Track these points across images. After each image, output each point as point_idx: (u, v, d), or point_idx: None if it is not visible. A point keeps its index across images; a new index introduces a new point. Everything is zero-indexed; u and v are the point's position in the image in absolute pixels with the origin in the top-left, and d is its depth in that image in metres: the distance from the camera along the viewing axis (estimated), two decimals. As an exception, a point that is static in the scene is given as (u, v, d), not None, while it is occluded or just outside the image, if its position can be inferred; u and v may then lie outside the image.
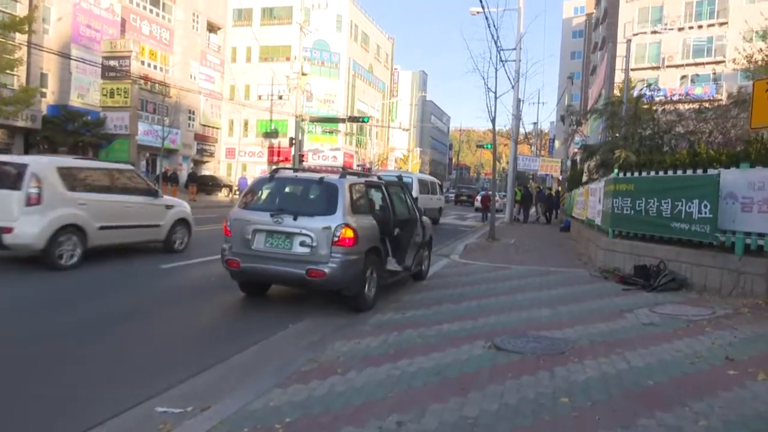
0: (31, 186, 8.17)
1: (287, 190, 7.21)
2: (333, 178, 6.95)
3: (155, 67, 36.81)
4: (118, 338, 5.33)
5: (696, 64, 41.76)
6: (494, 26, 15.29)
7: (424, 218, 9.02)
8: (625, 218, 9.39)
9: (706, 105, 14.25)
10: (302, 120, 39.49)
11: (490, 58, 16.16)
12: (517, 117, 23.82)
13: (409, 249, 8.06)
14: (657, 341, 5.06)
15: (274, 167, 7.49)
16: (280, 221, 6.46)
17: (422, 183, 22.34)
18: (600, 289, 8.12)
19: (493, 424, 3.27)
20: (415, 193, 32.56)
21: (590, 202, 13.62)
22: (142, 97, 35.24)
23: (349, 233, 6.36)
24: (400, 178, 9.44)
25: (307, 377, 4.10)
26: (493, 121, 15.27)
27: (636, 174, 9.38)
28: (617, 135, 13.17)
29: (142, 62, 34.78)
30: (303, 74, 43.45)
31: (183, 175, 36.85)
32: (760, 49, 25.68)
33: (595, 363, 4.41)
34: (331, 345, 5.16)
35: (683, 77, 42.06)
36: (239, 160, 45.26)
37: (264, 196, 7.07)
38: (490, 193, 23.15)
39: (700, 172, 8.02)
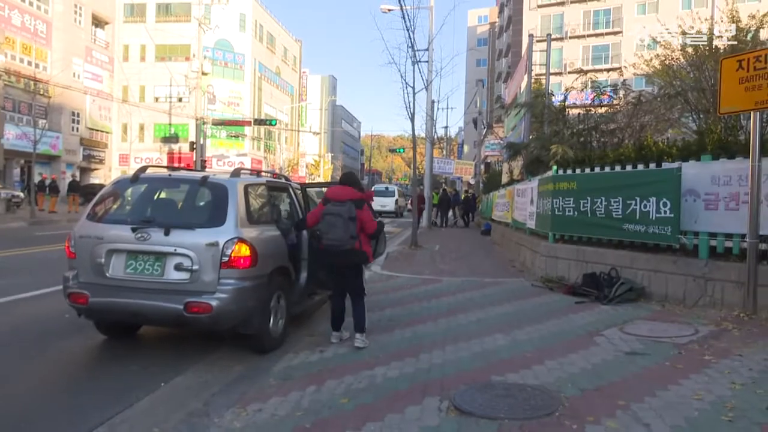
0: None
1: (157, 195, 5.35)
2: (221, 177, 5.23)
3: (29, 63, 32.51)
4: None
5: (595, 70, 43.42)
6: (409, 19, 14.11)
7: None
8: (567, 220, 8.36)
9: (614, 108, 13.87)
10: (204, 123, 36.62)
11: (408, 49, 15.03)
12: (432, 117, 22.92)
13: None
14: (660, 383, 3.83)
15: (141, 166, 5.60)
16: (145, 237, 4.64)
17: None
18: (550, 304, 6.97)
19: None
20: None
21: (518, 203, 12.70)
22: (12, 96, 30.90)
23: (245, 251, 4.68)
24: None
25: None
26: (412, 117, 14.04)
27: (578, 171, 8.38)
28: (544, 132, 12.37)
29: (13, 57, 30.53)
30: (204, 74, 40.49)
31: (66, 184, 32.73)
32: (657, 55, 26.80)
33: (605, 432, 3.07)
34: (219, 416, 3.50)
35: (584, 83, 43.61)
36: (134, 167, 41.29)
37: (124, 204, 5.21)
38: (422, 190, 21.98)
39: (653, 166, 7.10)
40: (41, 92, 30.07)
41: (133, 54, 47.01)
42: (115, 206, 5.17)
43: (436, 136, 33.16)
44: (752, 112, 5.79)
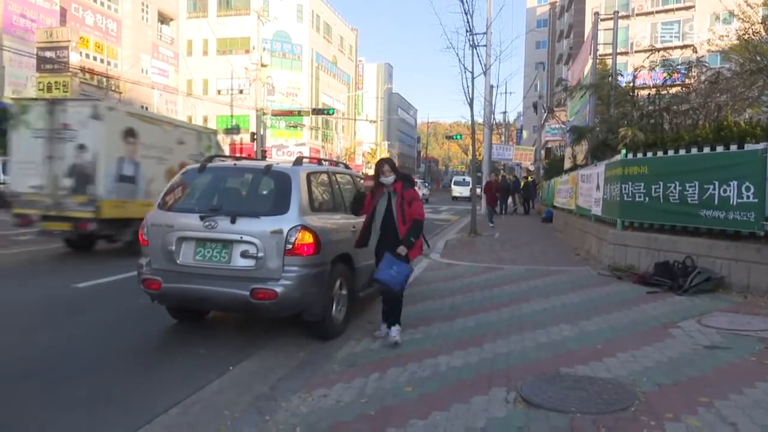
0: None
1: (224, 184, 5.48)
2: (284, 166, 5.30)
3: (102, 61, 34.17)
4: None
5: (666, 48, 41.21)
6: (466, 2, 13.82)
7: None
8: (637, 207, 7.96)
9: (687, 88, 13.05)
10: (264, 114, 37.48)
11: (466, 33, 14.67)
12: (490, 102, 22.47)
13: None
14: (746, 379, 3.58)
15: (207, 156, 5.74)
16: (213, 225, 4.76)
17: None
18: (619, 293, 6.68)
19: None
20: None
21: (582, 189, 12.23)
22: (87, 93, 32.59)
23: (308, 238, 4.72)
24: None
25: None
26: (471, 103, 13.76)
27: (649, 154, 7.95)
28: (610, 114, 11.83)
29: (87, 55, 32.16)
30: (263, 65, 41.37)
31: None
32: (734, 30, 25.10)
33: (686, 431, 2.88)
34: (285, 400, 3.55)
35: (653, 62, 41.50)
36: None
37: (193, 194, 5.35)
38: (493, 179, 21.50)
39: (734, 148, 6.63)
40: (113, 88, 31.57)
41: (196, 48, 48.62)
42: (183, 195, 5.32)
43: (494, 122, 32.55)
44: None
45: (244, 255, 4.68)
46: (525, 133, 69.04)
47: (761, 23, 15.11)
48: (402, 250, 4.78)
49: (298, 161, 5.52)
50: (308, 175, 5.24)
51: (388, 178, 4.89)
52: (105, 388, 3.98)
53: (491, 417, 3.16)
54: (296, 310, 4.81)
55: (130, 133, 9.78)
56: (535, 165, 39.68)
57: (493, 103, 22.32)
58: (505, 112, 47.77)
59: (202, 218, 4.80)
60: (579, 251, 10.99)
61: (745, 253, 6.35)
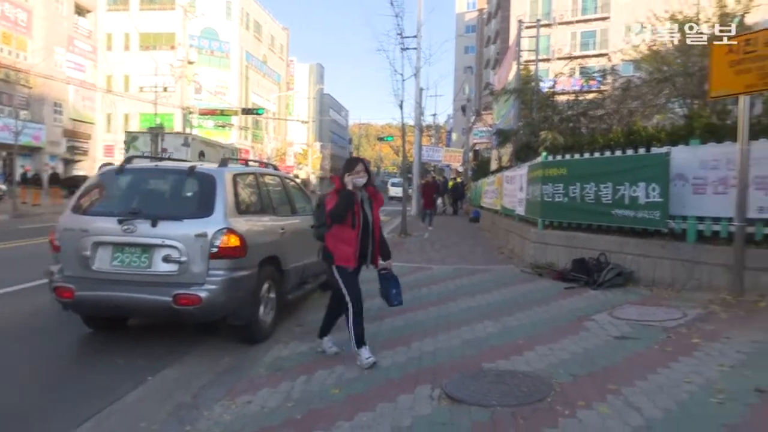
0: None
1: (144, 186, 5.26)
2: (209, 167, 5.16)
3: (10, 53, 31.86)
4: None
5: (584, 57, 43.43)
6: (396, 5, 13.99)
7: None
8: (557, 207, 8.36)
9: (603, 94, 13.90)
10: (190, 113, 36.34)
11: (396, 36, 14.79)
12: (420, 105, 22.88)
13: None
14: (651, 366, 3.84)
15: (126, 156, 5.49)
16: (132, 229, 4.57)
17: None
18: (540, 290, 6.98)
19: None
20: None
21: (507, 190, 12.70)
22: (-8, 87, 30.34)
23: (234, 241, 4.62)
24: None
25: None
26: (401, 105, 13.96)
27: (567, 157, 8.37)
28: (533, 118, 12.37)
29: (-8, 46, 29.91)
30: (189, 63, 40.18)
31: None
32: (644, 40, 26.88)
33: (597, 417, 3.06)
34: (208, 408, 3.46)
35: (572, 69, 43.64)
36: (119, 159, 40.84)
37: (110, 196, 5.11)
38: (431, 179, 21.46)
39: (642, 151, 7.10)
40: (22, 82, 29.49)
41: (117, 43, 46.30)
42: (100, 198, 5.06)
43: (424, 124, 33.10)
44: (741, 96, 5.79)
45: (166, 259, 4.52)
46: (455, 136, 70.61)
47: (668, 35, 16.30)
48: (390, 263, 4.53)
49: (224, 162, 5.40)
50: (234, 177, 5.12)
51: (363, 179, 4.27)
52: (14, 404, 3.72)
53: (417, 415, 3.22)
54: (222, 314, 4.69)
55: (202, 154, 14.43)
56: (463, 166, 40.75)
57: (423, 106, 22.68)
58: (435, 115, 48.64)
59: (120, 222, 4.59)
60: (504, 250, 11.39)
61: (652, 249, 6.82)
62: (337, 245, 4.25)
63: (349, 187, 4.19)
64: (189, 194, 5.08)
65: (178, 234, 4.53)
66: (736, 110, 6.55)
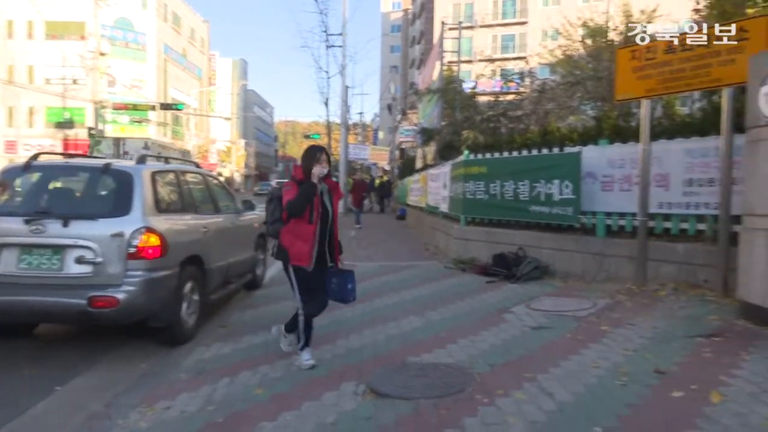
0: None
1: (54, 184, 4.96)
2: (125, 165, 4.94)
3: None
4: None
5: (504, 59, 45.08)
6: (321, 1, 13.93)
7: (255, 213, 7.31)
8: (478, 204, 8.66)
9: (521, 96, 14.57)
10: (103, 107, 34.36)
11: (321, 33, 14.66)
12: (346, 103, 22.90)
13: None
14: (564, 354, 4.08)
15: (33, 153, 5.15)
16: (41, 229, 4.30)
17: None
18: (463, 284, 7.20)
19: None
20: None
21: (431, 188, 12.99)
22: None
23: (154, 240, 4.45)
24: None
25: None
26: (327, 102, 13.91)
27: (488, 155, 8.69)
28: (456, 118, 12.73)
29: None
30: (101, 54, 38.02)
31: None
32: (559, 45, 28.33)
33: (514, 404, 3.22)
34: (123, 417, 3.32)
35: (493, 71, 45.22)
36: (23, 156, 37.91)
37: (15, 195, 4.78)
38: (359, 178, 21.48)
39: (556, 150, 7.50)
40: None
41: (19, 31, 42.86)
42: (4, 197, 4.73)
43: (351, 122, 33.13)
44: (643, 100, 6.24)
45: (80, 261, 4.29)
46: (381, 134, 71.18)
47: (580, 41, 17.25)
48: (342, 258, 4.33)
49: (142, 159, 5.18)
50: (153, 174, 4.93)
51: (325, 170, 4.02)
52: None
53: (341, 411, 3.24)
54: (141, 316, 4.51)
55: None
56: (390, 165, 41.18)
57: (350, 104, 22.72)
58: (361, 113, 48.94)
59: (27, 222, 4.31)
60: (429, 246, 11.65)
61: (566, 244, 7.22)
62: (294, 242, 3.95)
63: (315, 179, 3.93)
64: (104, 192, 4.84)
65: (92, 234, 4.31)
66: (640, 113, 7.06)
